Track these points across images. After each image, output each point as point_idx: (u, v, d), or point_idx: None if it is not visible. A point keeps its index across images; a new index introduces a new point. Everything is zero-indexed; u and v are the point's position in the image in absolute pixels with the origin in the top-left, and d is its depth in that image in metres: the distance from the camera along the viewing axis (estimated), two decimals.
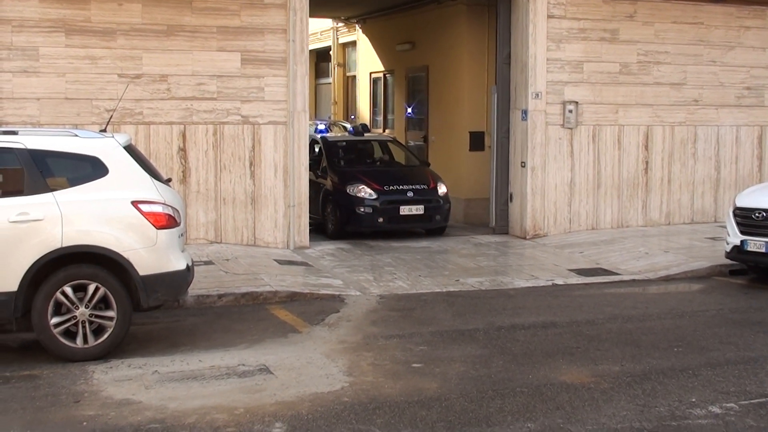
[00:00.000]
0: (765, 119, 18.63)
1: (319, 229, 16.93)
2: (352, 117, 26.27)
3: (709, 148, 18.21)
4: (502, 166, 17.29)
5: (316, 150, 17.93)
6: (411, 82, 22.39)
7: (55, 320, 8.72)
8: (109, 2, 14.07)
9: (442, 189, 17.07)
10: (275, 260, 13.90)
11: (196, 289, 11.17)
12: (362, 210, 16.38)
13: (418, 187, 16.88)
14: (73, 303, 8.76)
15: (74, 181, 9.03)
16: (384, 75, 24.11)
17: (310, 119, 18.74)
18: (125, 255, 8.87)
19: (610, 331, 10.18)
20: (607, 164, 17.33)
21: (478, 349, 9.37)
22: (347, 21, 26.26)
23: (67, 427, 7.11)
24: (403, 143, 20.87)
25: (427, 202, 16.72)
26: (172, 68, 14.46)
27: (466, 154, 19.35)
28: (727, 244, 13.17)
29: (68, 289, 8.74)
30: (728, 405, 7.61)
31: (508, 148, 17.19)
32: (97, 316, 8.85)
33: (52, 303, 8.70)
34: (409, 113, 22.25)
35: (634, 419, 7.24)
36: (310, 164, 15.77)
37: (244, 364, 8.73)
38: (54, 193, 8.82)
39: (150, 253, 8.99)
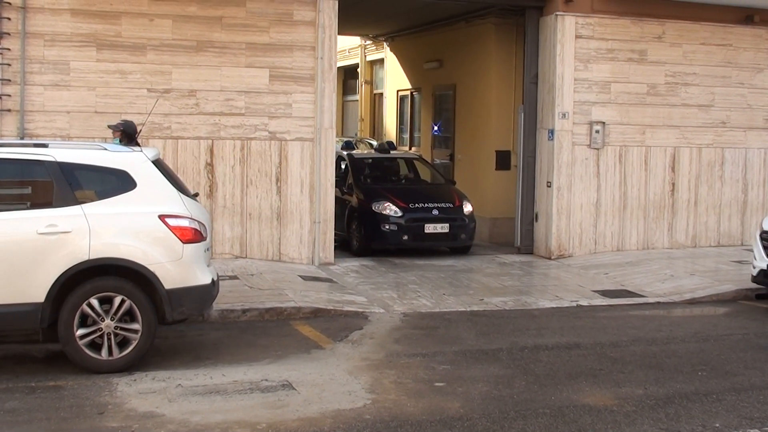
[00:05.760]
0: None
1: (344, 246, 16.95)
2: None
3: (737, 170, 18.11)
4: (527, 186, 17.27)
5: (342, 167, 17.97)
6: (438, 100, 22.41)
7: (80, 332, 8.79)
8: (139, 17, 14.22)
9: (467, 207, 17.06)
10: (300, 276, 13.94)
11: (220, 303, 11.21)
12: (387, 227, 16.39)
13: (443, 205, 16.87)
14: (98, 315, 8.82)
15: (102, 194, 9.12)
16: (411, 93, 24.16)
17: (337, 136, 18.77)
18: (151, 268, 8.94)
19: (633, 354, 10.14)
20: (634, 185, 17.26)
21: (501, 370, 9.35)
22: (375, 39, 26.34)
23: None
24: (429, 161, 20.88)
25: (452, 220, 16.70)
26: (200, 83, 14.58)
27: (492, 173, 19.32)
28: (754, 268, 13.06)
29: (94, 301, 8.82)
30: (752, 431, 7.56)
31: (534, 168, 17.18)
32: (122, 329, 8.92)
33: (78, 315, 8.78)
34: (435, 131, 22.26)
35: None
36: (336, 181, 15.82)
37: (267, 380, 8.76)
38: (82, 205, 8.90)
39: (176, 267, 9.05)
